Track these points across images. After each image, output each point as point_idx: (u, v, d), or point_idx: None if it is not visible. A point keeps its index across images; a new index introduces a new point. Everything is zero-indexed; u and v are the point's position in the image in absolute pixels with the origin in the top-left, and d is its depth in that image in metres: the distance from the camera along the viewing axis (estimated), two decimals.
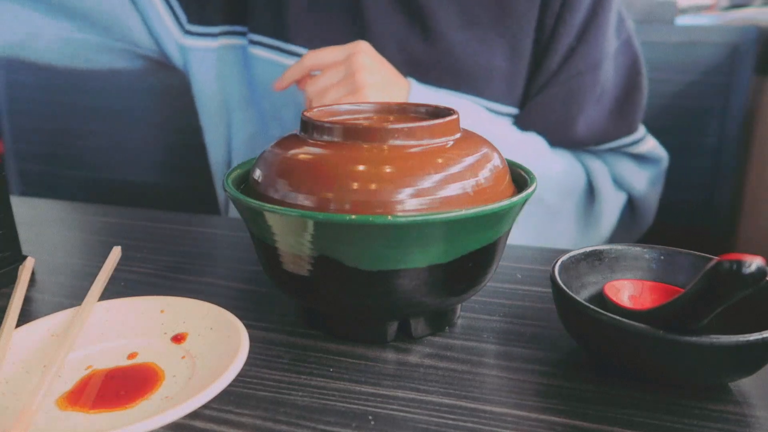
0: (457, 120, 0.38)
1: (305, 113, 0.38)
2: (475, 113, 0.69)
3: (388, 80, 0.63)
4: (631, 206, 0.80)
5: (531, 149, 0.71)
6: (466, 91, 0.69)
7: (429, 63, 0.69)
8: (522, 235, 0.71)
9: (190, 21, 0.74)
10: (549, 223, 0.74)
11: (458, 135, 0.38)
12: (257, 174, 0.38)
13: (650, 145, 0.78)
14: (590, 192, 0.76)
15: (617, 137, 0.75)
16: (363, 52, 0.61)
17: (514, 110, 0.71)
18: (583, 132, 0.73)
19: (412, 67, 0.67)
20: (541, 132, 0.72)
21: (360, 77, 0.59)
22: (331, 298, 0.37)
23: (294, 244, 0.35)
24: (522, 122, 0.72)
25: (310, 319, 0.41)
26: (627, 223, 0.80)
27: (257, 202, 0.35)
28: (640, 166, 0.78)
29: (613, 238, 0.80)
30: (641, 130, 0.77)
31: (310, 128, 0.37)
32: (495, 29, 0.69)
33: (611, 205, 0.77)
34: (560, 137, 0.73)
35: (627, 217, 0.80)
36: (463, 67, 0.69)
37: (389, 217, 0.32)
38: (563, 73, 0.70)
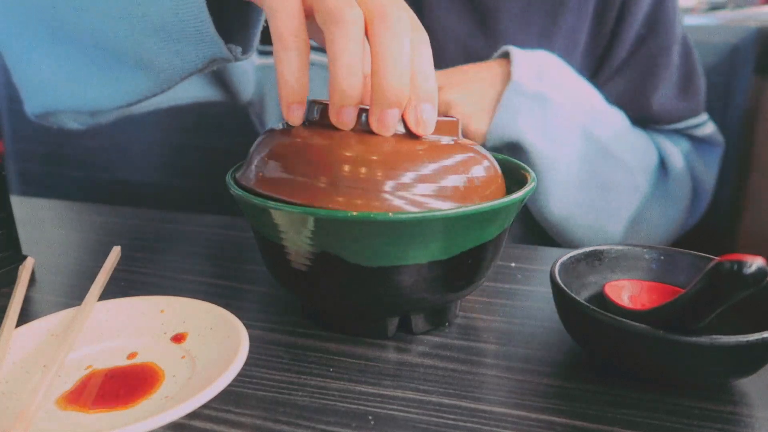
0: (458, 123, 0.38)
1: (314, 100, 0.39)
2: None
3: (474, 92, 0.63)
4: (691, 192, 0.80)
5: (620, 121, 0.72)
6: None
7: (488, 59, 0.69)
8: (614, 222, 0.71)
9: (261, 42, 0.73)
10: (639, 208, 0.73)
11: (456, 137, 0.38)
12: (255, 159, 0.38)
13: (711, 129, 0.79)
14: (662, 171, 0.76)
15: (685, 117, 0.76)
16: (449, 88, 0.61)
17: None
18: (657, 110, 0.74)
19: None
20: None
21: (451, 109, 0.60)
22: (333, 294, 0.37)
23: (296, 240, 0.35)
24: None
25: (311, 315, 0.41)
26: (686, 210, 0.80)
27: (259, 199, 0.35)
28: (699, 150, 0.79)
29: (674, 231, 0.78)
30: (704, 114, 0.78)
31: (312, 111, 0.37)
32: (553, 24, 0.70)
33: (682, 183, 0.76)
34: (635, 114, 0.74)
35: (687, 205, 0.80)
36: None
37: (390, 214, 0.32)
38: (635, 57, 0.72)
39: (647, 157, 0.74)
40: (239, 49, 0.48)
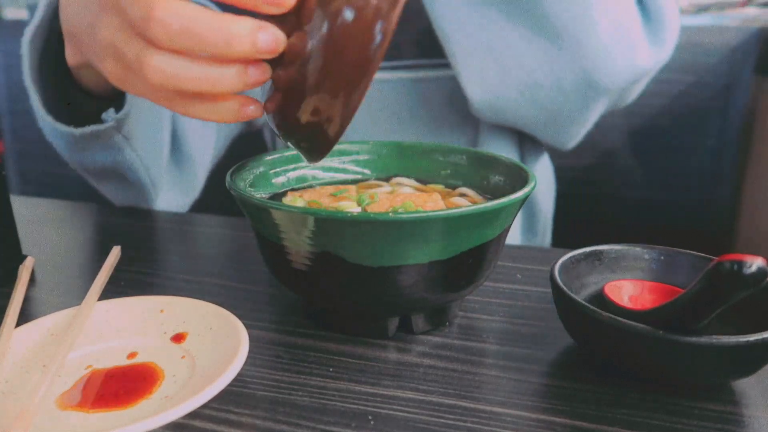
0: None
1: None
2: None
3: None
4: None
5: None
6: None
7: None
8: None
9: None
10: None
11: None
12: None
13: None
14: None
15: None
16: None
17: None
18: None
19: None
20: None
21: None
22: (333, 294, 0.37)
23: (296, 240, 0.35)
24: None
25: (311, 315, 0.41)
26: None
27: (261, 199, 0.35)
28: None
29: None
30: None
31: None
32: None
33: None
34: None
35: None
36: None
37: (390, 214, 0.32)
38: None
39: None
40: (111, 111, 0.52)
